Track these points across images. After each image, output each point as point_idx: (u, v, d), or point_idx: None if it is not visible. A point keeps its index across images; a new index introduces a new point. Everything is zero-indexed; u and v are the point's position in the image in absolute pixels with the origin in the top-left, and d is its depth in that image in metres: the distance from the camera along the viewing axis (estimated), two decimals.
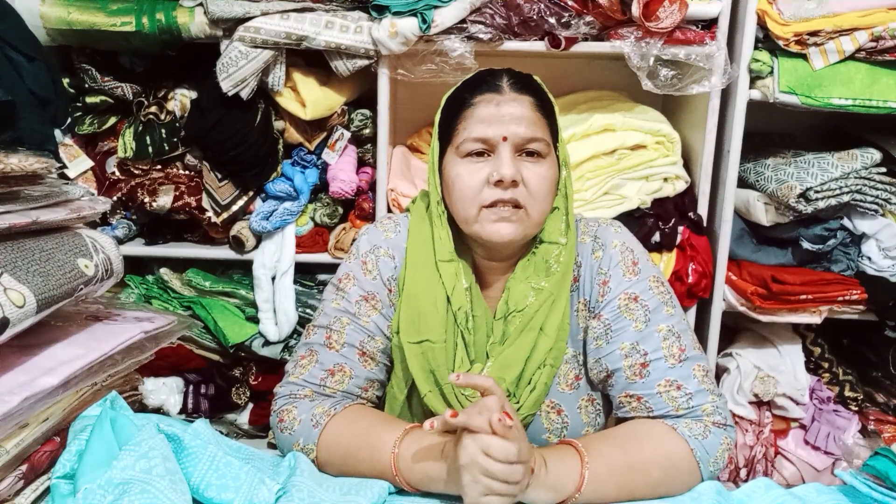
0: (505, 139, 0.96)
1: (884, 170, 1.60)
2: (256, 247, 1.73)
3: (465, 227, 1.01)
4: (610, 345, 1.00)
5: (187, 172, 1.72)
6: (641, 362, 0.98)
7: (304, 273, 1.80)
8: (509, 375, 1.02)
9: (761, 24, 1.57)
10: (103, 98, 1.69)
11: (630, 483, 0.88)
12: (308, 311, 1.73)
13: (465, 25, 1.54)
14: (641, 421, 0.96)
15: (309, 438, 0.94)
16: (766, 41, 1.58)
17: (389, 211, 1.70)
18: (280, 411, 1.00)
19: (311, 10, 1.57)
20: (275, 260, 1.71)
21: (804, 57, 1.55)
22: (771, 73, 1.58)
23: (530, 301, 1.02)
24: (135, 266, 1.82)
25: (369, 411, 1.01)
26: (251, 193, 1.71)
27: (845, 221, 1.65)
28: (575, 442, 0.90)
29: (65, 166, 1.67)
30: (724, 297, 1.72)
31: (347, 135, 1.71)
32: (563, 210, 1.04)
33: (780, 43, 1.54)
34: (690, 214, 1.68)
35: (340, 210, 1.75)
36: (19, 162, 0.81)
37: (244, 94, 1.55)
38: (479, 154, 0.98)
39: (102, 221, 1.73)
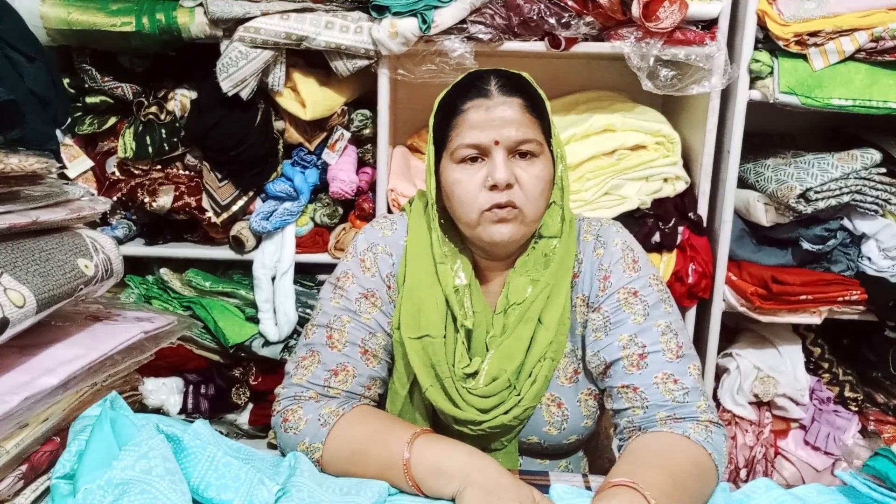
0: (497, 143, 0.98)
1: (884, 170, 1.60)
2: (256, 247, 1.73)
3: (467, 230, 1.03)
4: (609, 336, 1.02)
5: (187, 172, 1.72)
6: (639, 353, 0.98)
7: (304, 273, 1.80)
8: (510, 366, 1.03)
9: (761, 25, 1.57)
10: (103, 98, 1.70)
11: (681, 502, 0.84)
12: (308, 311, 1.73)
13: (465, 26, 1.54)
14: (655, 435, 0.93)
15: (316, 437, 0.94)
16: (766, 41, 1.58)
17: (389, 211, 1.70)
18: (284, 411, 1.00)
19: (311, 10, 1.57)
20: (275, 260, 1.71)
21: (804, 57, 1.55)
22: (771, 73, 1.58)
23: (528, 293, 1.04)
24: (135, 266, 1.82)
25: (380, 412, 1.02)
26: (251, 193, 1.71)
27: (845, 222, 1.66)
28: (627, 481, 0.81)
29: (65, 166, 1.67)
30: (724, 297, 1.72)
31: (347, 135, 1.71)
32: (559, 204, 1.05)
33: (780, 43, 1.55)
34: (690, 215, 1.68)
35: (340, 210, 1.75)
36: (19, 162, 0.81)
37: (244, 95, 1.55)
38: (474, 159, 1.00)
39: (102, 221, 1.73)
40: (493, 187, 0.97)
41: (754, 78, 1.61)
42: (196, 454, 0.79)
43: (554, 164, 1.04)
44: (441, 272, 1.05)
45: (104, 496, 0.70)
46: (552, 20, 1.52)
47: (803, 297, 1.65)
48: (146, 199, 1.65)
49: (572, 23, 1.53)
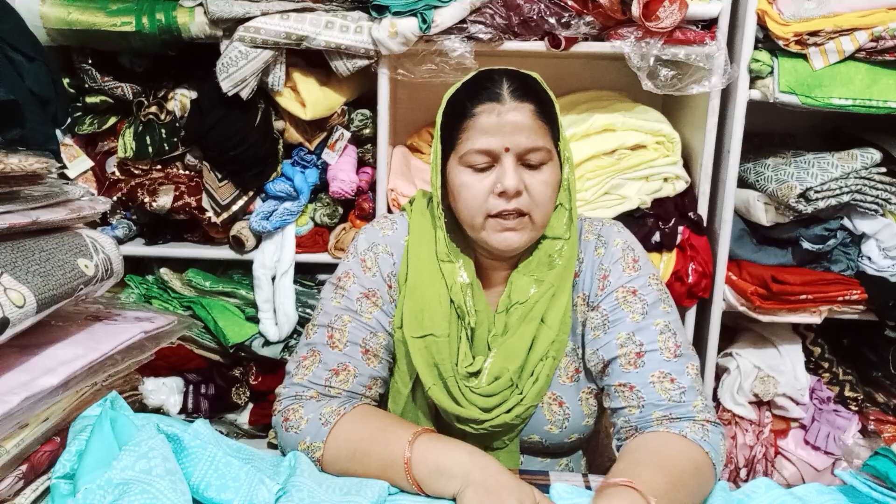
0: (507, 150, 0.97)
1: (884, 170, 1.60)
2: (256, 247, 1.73)
3: (471, 233, 1.03)
4: (607, 335, 1.02)
5: (187, 172, 1.72)
6: (637, 352, 0.99)
7: (304, 273, 1.80)
8: (513, 365, 1.03)
9: (761, 24, 1.57)
10: (103, 98, 1.70)
11: (678, 501, 0.84)
12: (308, 310, 1.73)
13: (465, 25, 1.54)
14: (652, 435, 0.94)
15: (317, 436, 0.94)
16: (766, 41, 1.58)
17: (389, 211, 1.70)
18: (285, 411, 1.00)
19: (311, 10, 1.57)
20: (275, 260, 1.71)
21: (804, 57, 1.55)
22: (771, 73, 1.58)
23: (532, 293, 1.04)
24: (135, 266, 1.82)
25: (381, 411, 1.02)
26: (251, 193, 1.71)
27: (845, 221, 1.65)
28: (626, 481, 0.81)
29: (65, 166, 1.67)
30: (724, 297, 1.72)
31: (347, 135, 1.71)
32: (566, 206, 1.05)
33: (780, 43, 1.54)
34: (690, 214, 1.68)
35: (340, 210, 1.75)
36: (19, 162, 0.81)
37: (244, 94, 1.55)
38: (483, 164, 1.00)
39: (102, 221, 1.73)
40: (502, 194, 0.97)
41: (754, 77, 1.60)
42: (196, 454, 0.79)
43: (561, 167, 1.03)
44: (446, 270, 1.05)
45: (104, 496, 0.70)
46: (552, 20, 1.52)
47: (803, 296, 1.65)
48: (146, 199, 1.65)
49: (572, 22, 1.52)
